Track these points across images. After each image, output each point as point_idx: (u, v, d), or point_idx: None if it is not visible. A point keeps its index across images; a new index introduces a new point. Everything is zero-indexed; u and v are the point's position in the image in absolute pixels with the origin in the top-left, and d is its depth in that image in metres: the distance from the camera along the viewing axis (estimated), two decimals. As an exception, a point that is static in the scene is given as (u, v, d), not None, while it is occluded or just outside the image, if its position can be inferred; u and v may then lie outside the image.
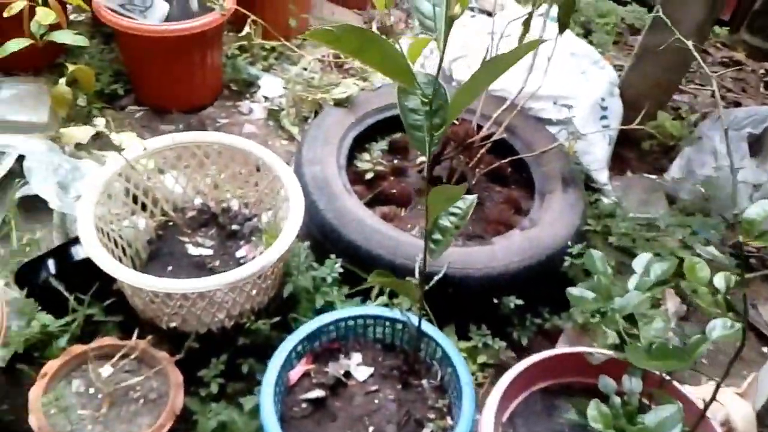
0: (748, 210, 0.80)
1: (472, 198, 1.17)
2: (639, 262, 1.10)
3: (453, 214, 1.15)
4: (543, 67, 1.79)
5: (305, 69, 2.33)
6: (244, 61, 2.32)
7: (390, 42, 0.91)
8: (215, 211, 1.59)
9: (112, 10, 1.93)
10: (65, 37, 1.91)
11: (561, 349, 1.25)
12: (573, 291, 1.08)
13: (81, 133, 1.30)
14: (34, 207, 1.66)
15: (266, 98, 2.27)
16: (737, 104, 2.54)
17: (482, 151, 1.84)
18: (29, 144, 1.79)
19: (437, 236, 1.12)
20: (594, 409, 0.98)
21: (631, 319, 1.06)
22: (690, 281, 0.99)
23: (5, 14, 1.80)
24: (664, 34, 2.04)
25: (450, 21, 0.92)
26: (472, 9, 2.89)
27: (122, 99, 2.15)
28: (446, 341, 1.24)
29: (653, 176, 2.21)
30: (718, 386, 0.96)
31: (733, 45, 3.08)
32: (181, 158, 1.55)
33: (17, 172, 1.72)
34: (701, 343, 0.91)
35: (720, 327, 0.92)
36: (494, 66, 0.91)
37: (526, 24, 1.71)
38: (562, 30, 1.70)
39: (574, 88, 2.05)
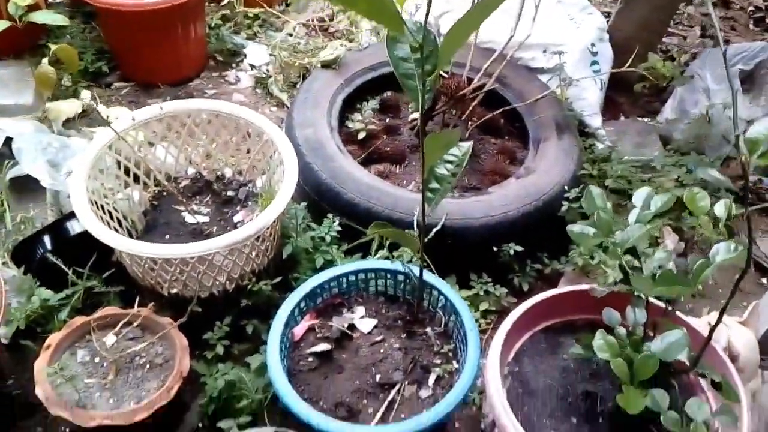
0: (751, 129, 0.79)
1: (467, 145, 1.16)
2: (639, 196, 1.10)
3: (449, 161, 1.14)
4: (530, 15, 1.77)
5: (290, 35, 2.31)
6: (227, 31, 2.29)
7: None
8: (209, 179, 1.58)
9: (90, -16, 1.90)
10: (45, 17, 1.90)
11: (562, 288, 1.25)
12: (574, 228, 1.08)
13: (68, 107, 1.30)
14: (26, 187, 1.65)
15: (253, 66, 2.24)
16: (727, 42, 2.51)
17: (474, 103, 1.83)
18: (16, 126, 1.77)
19: (434, 185, 1.12)
20: (600, 339, 0.99)
21: (633, 252, 1.06)
22: (690, 213, 0.99)
23: (-19, -4, 1.78)
24: (651, -27, 2.04)
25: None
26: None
27: (108, 76, 2.12)
28: (448, 289, 1.24)
29: (646, 119, 2.20)
30: (724, 308, 0.95)
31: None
32: (170, 128, 1.53)
33: (6, 154, 1.71)
34: (705, 268, 0.91)
35: (724, 250, 0.92)
36: (480, 9, 0.90)
37: (510, -30, 1.68)
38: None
39: (563, 35, 2.03)
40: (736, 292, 0.90)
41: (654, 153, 1.97)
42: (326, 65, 1.90)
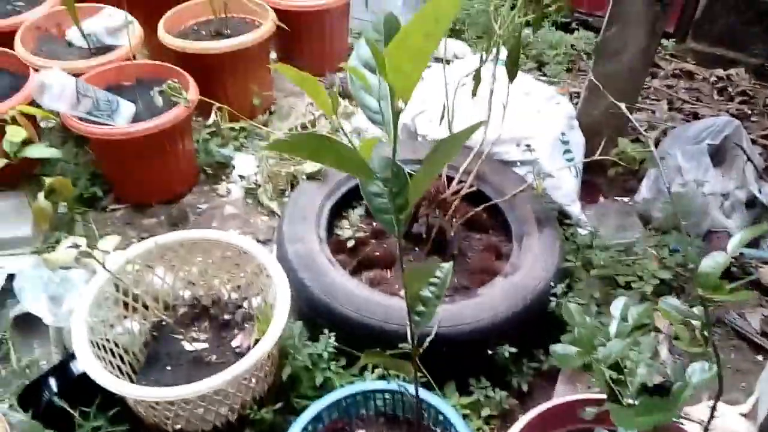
0: (702, 264, 0.84)
1: (447, 266, 1.21)
2: (616, 307, 1.15)
3: (432, 284, 1.19)
4: (500, 113, 1.86)
5: (275, 143, 2.40)
6: (215, 144, 2.38)
7: (343, 143, 0.96)
8: (206, 303, 1.63)
9: (80, 119, 1.99)
10: (39, 151, 1.98)
11: (555, 400, 1.28)
12: (557, 348, 1.11)
13: (65, 256, 1.33)
14: (30, 324, 1.69)
15: (242, 177, 2.32)
16: (695, 114, 2.62)
17: (455, 202, 1.90)
18: (17, 262, 1.83)
19: (420, 308, 1.17)
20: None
21: (616, 367, 1.10)
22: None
23: (-23, 138, 1.86)
24: (611, 63, 2.15)
25: (396, 116, 0.98)
26: (428, 58, 2.99)
27: (102, 200, 2.19)
28: (445, 405, 1.27)
29: (625, 198, 2.27)
30: (710, 417, 0.98)
31: (682, 55, 3.19)
32: (164, 256, 1.59)
33: (9, 291, 1.76)
34: (683, 391, 0.95)
35: (699, 371, 0.96)
36: (448, 146, 0.96)
37: (477, 77, 1.79)
38: (511, 79, 1.77)
39: (533, 128, 2.12)
40: (733, 372, 0.94)
41: (635, 234, 2.04)
42: (311, 177, 1.98)
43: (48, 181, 1.92)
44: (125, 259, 1.48)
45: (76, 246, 1.39)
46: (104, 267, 1.39)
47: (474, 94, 1.81)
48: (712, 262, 0.84)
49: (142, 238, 2.08)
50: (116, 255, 1.47)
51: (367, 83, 0.98)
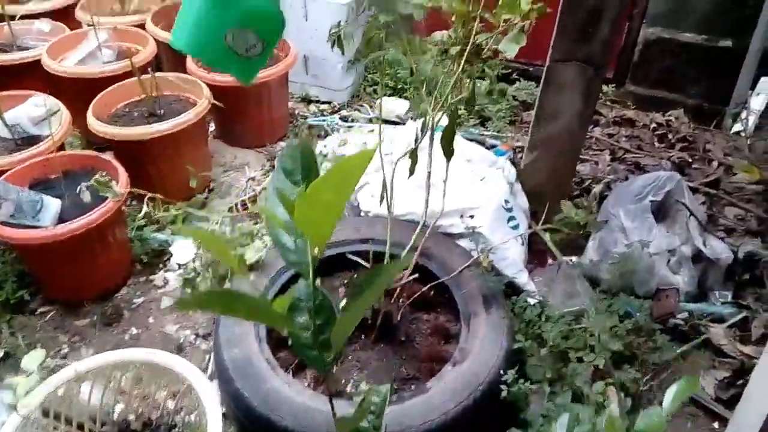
0: (639, 422, 0.80)
1: (384, 389, 1.15)
2: (561, 424, 1.10)
3: (371, 412, 1.13)
4: (441, 186, 1.82)
5: (216, 224, 2.32)
6: (151, 231, 2.28)
7: (254, 297, 0.89)
8: (135, 427, 1.52)
9: (3, 223, 1.88)
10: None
11: None
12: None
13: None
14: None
15: (180, 265, 2.23)
16: (637, 164, 2.63)
17: (402, 283, 1.84)
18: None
19: (361, 436, 1.10)
20: None
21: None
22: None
23: None
24: (549, 126, 2.14)
25: (314, 262, 0.92)
26: (370, 120, 2.96)
27: (30, 303, 2.07)
28: None
29: (573, 258, 2.25)
30: None
31: (622, 99, 3.23)
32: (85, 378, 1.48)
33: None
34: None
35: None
36: (374, 285, 0.90)
37: (413, 156, 1.75)
38: (448, 158, 1.74)
39: (476, 197, 2.09)
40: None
41: (585, 300, 2.00)
42: (250, 268, 1.90)
43: (-32, 291, 1.81)
44: (41, 394, 1.37)
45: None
46: (18, 413, 1.28)
47: (411, 173, 1.77)
48: (649, 420, 0.80)
49: (73, 343, 1.99)
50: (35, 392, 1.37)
51: (283, 224, 0.92)
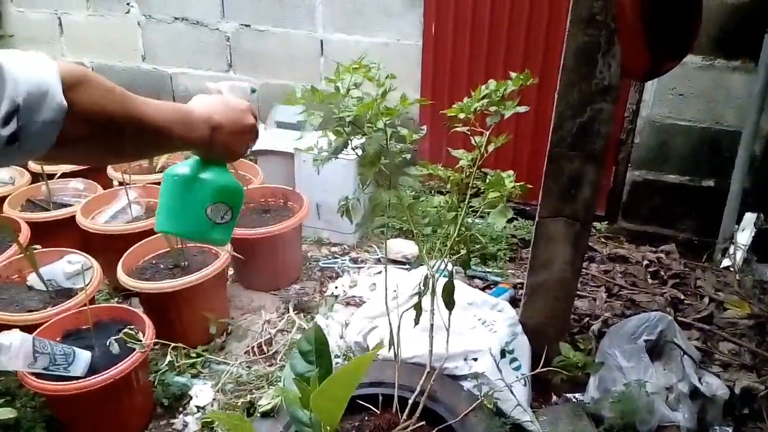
0: None
1: None
2: None
3: None
4: (444, 330, 1.96)
5: (233, 367, 2.44)
6: (172, 375, 2.41)
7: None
8: None
9: (36, 375, 2.02)
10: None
11: None
12: None
13: None
14: None
15: (199, 408, 2.33)
16: (633, 300, 2.77)
17: (409, 429, 1.93)
18: None
19: None
20: None
21: None
22: None
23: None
24: (543, 273, 2.31)
25: None
26: (379, 260, 3.16)
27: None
28: None
29: (577, 394, 2.33)
30: None
31: (615, 234, 3.43)
32: None
33: None
34: None
35: None
36: None
37: (418, 307, 1.90)
38: (449, 309, 1.90)
39: (478, 341, 2.22)
40: None
41: (588, 440, 2.08)
42: (265, 414, 2.01)
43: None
44: None
45: None
46: None
47: (417, 323, 1.91)
48: None
49: (96, 492, 2.05)
50: None
51: (298, 402, 1.07)
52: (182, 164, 1.10)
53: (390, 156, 1.90)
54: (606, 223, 3.47)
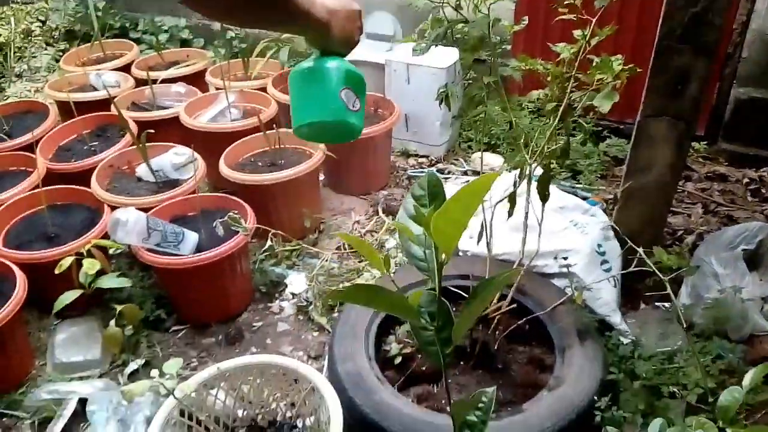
0: (721, 397, 0.91)
1: (491, 391, 1.29)
2: (653, 428, 1.20)
3: (478, 409, 1.27)
4: (537, 228, 1.98)
5: (326, 261, 2.55)
6: (269, 264, 2.54)
7: (393, 292, 1.09)
8: (262, 424, 1.72)
9: (149, 249, 2.18)
10: (111, 282, 2.17)
11: None
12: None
13: (141, 387, 1.46)
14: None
15: (294, 295, 2.46)
16: (730, 217, 2.68)
17: (498, 316, 1.99)
18: (88, 386, 1.97)
19: None
20: None
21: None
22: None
23: (57, 271, 2.06)
24: (641, 177, 2.26)
25: (440, 267, 1.11)
26: (465, 173, 3.17)
27: (165, 322, 2.35)
28: None
29: (666, 304, 2.31)
30: None
31: (714, 156, 3.29)
32: (225, 379, 1.70)
33: (81, 415, 1.90)
34: None
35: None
36: (485, 291, 1.08)
37: (512, 199, 1.92)
38: (543, 201, 1.90)
39: (570, 241, 2.22)
40: None
41: (678, 342, 2.07)
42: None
43: (119, 308, 2.10)
44: (192, 385, 1.60)
45: (151, 378, 1.52)
46: (174, 395, 1.51)
47: (510, 215, 1.93)
48: (730, 396, 0.91)
49: (202, 358, 2.23)
50: (182, 387, 1.60)
51: (414, 237, 1.12)
52: (305, 61, 1.15)
53: (491, 46, 1.89)
54: (705, 144, 3.33)
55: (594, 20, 1.72)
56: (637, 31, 3.21)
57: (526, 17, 1.93)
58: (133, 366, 2.16)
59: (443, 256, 1.09)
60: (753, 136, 3.25)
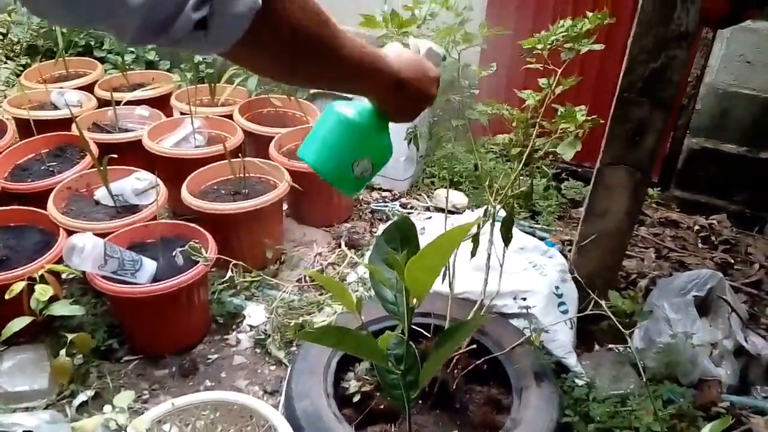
0: None
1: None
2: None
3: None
4: (497, 269, 2.01)
5: (286, 293, 2.53)
6: (228, 295, 2.51)
7: (362, 334, 1.09)
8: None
9: (104, 277, 2.13)
10: (63, 309, 2.11)
11: None
12: None
13: (92, 424, 1.42)
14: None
15: (252, 327, 2.43)
16: (681, 263, 2.77)
17: (457, 356, 2.00)
18: (33, 418, 1.89)
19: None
20: None
21: None
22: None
23: (7, 296, 2.00)
24: (598, 223, 2.33)
25: (411, 311, 1.12)
26: (428, 208, 3.20)
27: (117, 352, 2.28)
28: None
29: (619, 346, 2.36)
30: None
31: (667, 202, 3.40)
32: (178, 414, 1.66)
33: (24, 448, 1.82)
34: None
35: None
36: (456, 336, 1.09)
37: (475, 239, 1.95)
38: (506, 244, 1.94)
39: (529, 282, 2.26)
40: None
41: (630, 385, 2.11)
42: (320, 332, 2.09)
43: (70, 337, 2.04)
44: (146, 421, 1.56)
45: (103, 414, 1.48)
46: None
47: (473, 255, 1.96)
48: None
49: (153, 390, 2.17)
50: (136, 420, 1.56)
51: (386, 280, 1.13)
52: (352, 104, 1.07)
53: (459, 89, 1.94)
54: (658, 190, 3.44)
55: (560, 71, 1.78)
56: (597, 80, 3.33)
57: (494, 63, 1.98)
58: (82, 397, 2.09)
59: (414, 300, 1.11)
60: (704, 185, 3.39)
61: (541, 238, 2.95)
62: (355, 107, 1.05)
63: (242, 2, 0.68)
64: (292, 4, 0.75)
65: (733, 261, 2.76)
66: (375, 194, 3.34)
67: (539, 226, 3.09)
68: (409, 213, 3.16)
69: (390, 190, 3.37)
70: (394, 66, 0.96)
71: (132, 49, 4.32)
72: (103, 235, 2.24)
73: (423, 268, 0.96)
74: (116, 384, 2.16)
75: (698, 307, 2.29)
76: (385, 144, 1.08)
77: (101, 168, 2.47)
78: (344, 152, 1.05)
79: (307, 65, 0.83)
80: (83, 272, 2.21)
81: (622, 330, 1.73)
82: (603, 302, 2.09)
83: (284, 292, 2.51)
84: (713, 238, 2.95)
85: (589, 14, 1.74)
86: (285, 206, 3.04)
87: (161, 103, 3.41)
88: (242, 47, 0.73)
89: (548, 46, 1.75)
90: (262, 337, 2.37)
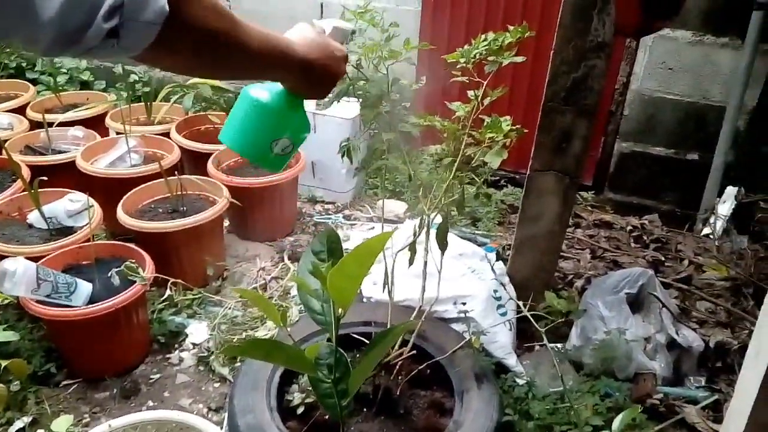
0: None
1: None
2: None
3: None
4: (436, 275, 2.05)
5: (229, 309, 2.51)
6: (169, 314, 2.47)
7: (291, 346, 1.11)
8: (158, 485, 1.66)
9: (39, 301, 2.08)
10: (-3, 336, 2.04)
11: None
12: None
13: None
14: None
15: (194, 345, 2.40)
16: (615, 262, 2.88)
17: (400, 362, 2.02)
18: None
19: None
20: None
21: None
22: None
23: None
24: (532, 227, 2.40)
25: (337, 321, 1.14)
26: (371, 219, 3.23)
27: (56, 376, 2.23)
28: None
29: (558, 345, 2.43)
30: None
31: (601, 205, 3.53)
32: (119, 438, 1.64)
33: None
34: None
35: None
36: (385, 340, 1.12)
37: (412, 248, 1.98)
38: (442, 251, 1.98)
39: (468, 287, 2.31)
40: None
41: (569, 382, 2.18)
42: (262, 346, 2.08)
43: (5, 364, 1.98)
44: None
45: None
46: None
47: (411, 263, 1.99)
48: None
49: (94, 413, 2.13)
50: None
51: (312, 291, 1.15)
52: (264, 87, 1.08)
53: (391, 102, 1.98)
54: (592, 193, 3.57)
55: (485, 83, 1.84)
56: (529, 91, 3.45)
57: (425, 77, 2.03)
58: (19, 424, 2.02)
59: (340, 310, 1.13)
60: (636, 187, 3.53)
61: (482, 244, 3.02)
62: (268, 90, 1.08)
63: (151, 9, 0.71)
64: (198, 7, 0.78)
65: (664, 258, 2.87)
66: (318, 207, 3.36)
67: (480, 232, 3.16)
68: (352, 224, 3.19)
69: (333, 203, 3.39)
70: (299, 50, 0.98)
71: (65, 69, 4.24)
72: (36, 259, 2.19)
73: (344, 277, 0.98)
74: (55, 409, 2.11)
75: (631, 304, 2.38)
76: (302, 121, 1.10)
77: (32, 191, 2.42)
78: (261, 134, 1.07)
79: (215, 62, 0.86)
80: (17, 297, 2.16)
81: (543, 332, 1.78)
82: (540, 303, 2.18)
83: (227, 308, 2.50)
84: (645, 237, 3.07)
85: (511, 28, 1.81)
86: (226, 222, 3.03)
87: (96, 124, 3.35)
88: (153, 51, 0.75)
89: (472, 60, 1.80)
90: (206, 354, 2.35)
